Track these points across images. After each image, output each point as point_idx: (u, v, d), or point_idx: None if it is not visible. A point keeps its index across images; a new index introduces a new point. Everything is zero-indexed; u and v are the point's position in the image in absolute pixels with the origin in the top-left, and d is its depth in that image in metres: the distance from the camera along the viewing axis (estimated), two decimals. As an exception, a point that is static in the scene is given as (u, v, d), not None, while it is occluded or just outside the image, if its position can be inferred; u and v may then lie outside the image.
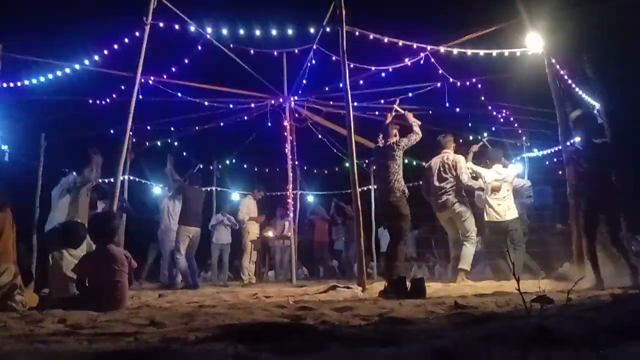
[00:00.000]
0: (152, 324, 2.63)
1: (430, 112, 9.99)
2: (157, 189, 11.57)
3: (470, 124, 10.75)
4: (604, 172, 5.92)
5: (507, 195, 7.96)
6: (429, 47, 8.11)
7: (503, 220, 7.90)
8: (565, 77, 8.58)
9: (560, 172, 8.59)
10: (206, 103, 9.97)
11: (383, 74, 8.90)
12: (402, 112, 7.48)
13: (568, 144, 7.07)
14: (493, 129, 11.02)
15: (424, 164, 8.54)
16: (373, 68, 8.67)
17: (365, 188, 12.46)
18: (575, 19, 7.93)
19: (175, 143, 10.01)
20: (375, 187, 7.37)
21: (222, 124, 11.00)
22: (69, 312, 3.31)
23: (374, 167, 7.38)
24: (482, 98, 9.76)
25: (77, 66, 7.92)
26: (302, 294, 5.57)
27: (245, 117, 10.85)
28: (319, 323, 2.49)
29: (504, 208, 7.93)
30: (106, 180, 8.57)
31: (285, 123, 10.20)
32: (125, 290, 4.02)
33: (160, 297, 5.56)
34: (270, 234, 10.65)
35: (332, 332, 2.00)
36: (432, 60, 8.26)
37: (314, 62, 8.97)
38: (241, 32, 7.79)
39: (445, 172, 7.50)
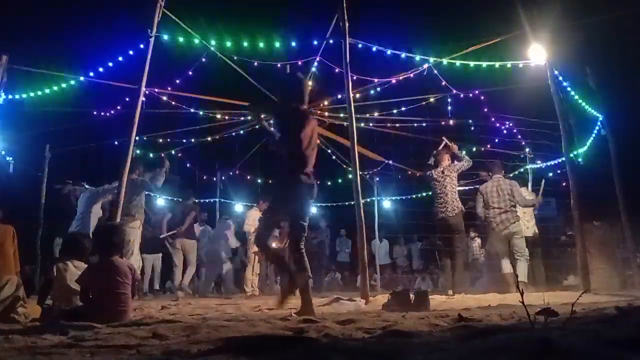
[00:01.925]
0: (155, 336, 2.62)
1: (433, 123, 10.03)
2: (160, 201, 11.58)
3: (473, 136, 10.76)
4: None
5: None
6: (431, 59, 8.14)
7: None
8: (568, 88, 8.60)
9: (564, 184, 8.58)
10: (210, 114, 10.00)
11: (386, 86, 8.93)
12: (450, 144, 8.38)
13: (572, 155, 7.12)
14: (496, 140, 11.03)
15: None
16: (376, 80, 8.70)
17: (368, 199, 12.45)
18: (577, 30, 7.97)
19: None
20: (437, 204, 7.93)
21: (225, 135, 11.03)
22: (72, 324, 3.30)
23: (435, 188, 8.00)
24: (485, 110, 9.77)
25: (81, 78, 7.98)
26: (305, 306, 5.54)
27: (249, 129, 10.88)
28: (321, 336, 2.47)
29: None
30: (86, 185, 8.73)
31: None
32: (128, 302, 4.01)
33: (163, 309, 5.55)
34: (273, 245, 10.62)
35: (334, 345, 1.99)
36: (435, 71, 8.29)
37: (317, 73, 9.01)
38: (245, 44, 7.84)
39: (504, 195, 7.92)
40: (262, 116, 5.36)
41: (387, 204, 14.07)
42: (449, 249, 7.80)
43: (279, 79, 5.13)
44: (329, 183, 13.84)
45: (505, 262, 7.85)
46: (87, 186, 8.50)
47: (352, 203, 6.22)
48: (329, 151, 11.35)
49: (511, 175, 11.91)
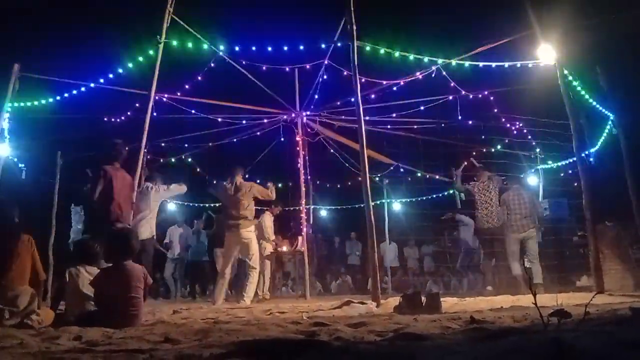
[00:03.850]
0: (167, 340, 2.63)
1: (443, 125, 10.00)
2: (171, 205, 11.67)
3: (483, 137, 10.71)
4: None
5: None
6: (440, 60, 8.12)
7: None
8: (579, 88, 8.54)
9: (575, 184, 8.52)
10: (219, 119, 10.05)
11: (395, 88, 8.92)
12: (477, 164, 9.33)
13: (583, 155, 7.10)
14: (506, 141, 10.97)
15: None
16: (384, 82, 8.69)
17: (377, 202, 12.42)
18: (587, 30, 7.91)
19: None
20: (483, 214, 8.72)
21: (235, 139, 11.07)
22: (85, 328, 3.32)
23: (481, 199, 8.73)
24: (495, 110, 9.73)
25: (92, 84, 8.05)
26: (316, 309, 5.54)
27: (258, 133, 10.92)
28: (333, 339, 2.47)
29: None
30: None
31: (298, 138, 10.23)
32: (140, 306, 4.03)
33: (174, 313, 5.57)
34: (284, 248, 10.63)
35: (347, 348, 1.98)
36: (444, 73, 8.27)
37: (325, 77, 9.02)
38: (253, 48, 7.88)
39: (524, 203, 8.43)
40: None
41: (396, 206, 14.03)
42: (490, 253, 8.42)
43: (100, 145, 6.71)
44: (339, 186, 13.83)
45: (515, 264, 8.11)
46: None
47: (362, 205, 6.21)
48: (338, 154, 11.34)
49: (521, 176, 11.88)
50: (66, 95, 8.16)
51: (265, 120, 10.52)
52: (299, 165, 10.15)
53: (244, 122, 10.46)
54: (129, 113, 9.06)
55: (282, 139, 10.79)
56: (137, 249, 4.33)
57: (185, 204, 12.36)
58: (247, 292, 7.51)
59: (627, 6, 7.58)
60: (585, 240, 7.72)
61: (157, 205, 7.72)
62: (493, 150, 11.12)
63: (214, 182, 9.06)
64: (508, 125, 10.38)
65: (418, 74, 8.41)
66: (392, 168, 12.18)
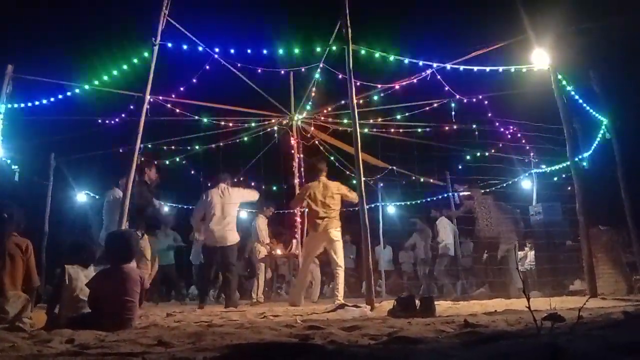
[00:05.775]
0: (160, 343, 2.61)
1: (438, 128, 10.03)
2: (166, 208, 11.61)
3: (477, 141, 10.74)
4: None
5: None
6: (435, 64, 8.13)
7: None
8: (572, 92, 8.58)
9: (569, 188, 8.55)
10: (214, 122, 10.02)
11: (390, 92, 8.93)
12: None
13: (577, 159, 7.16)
14: (500, 145, 11.00)
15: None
16: (379, 86, 8.70)
17: (372, 205, 12.42)
18: (581, 35, 7.95)
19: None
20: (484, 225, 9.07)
21: (230, 142, 11.04)
22: (77, 331, 3.30)
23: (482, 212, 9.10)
24: (489, 114, 9.76)
25: (86, 86, 8.02)
26: (310, 313, 5.54)
27: (253, 135, 10.90)
28: (327, 342, 2.47)
29: None
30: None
31: (293, 141, 10.22)
32: (135, 310, 4.01)
33: (168, 316, 5.55)
34: (278, 251, 10.60)
35: (340, 351, 1.98)
36: (439, 77, 8.28)
37: (320, 80, 9.03)
38: (249, 51, 7.88)
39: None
40: None
41: (391, 209, 14.03)
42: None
43: None
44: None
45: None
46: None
47: (357, 209, 6.21)
48: (333, 158, 11.34)
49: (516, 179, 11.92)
50: (60, 96, 8.12)
51: (260, 123, 10.51)
52: (293, 167, 10.14)
53: (238, 124, 10.44)
54: (123, 115, 9.03)
55: (277, 142, 10.78)
56: (137, 253, 4.30)
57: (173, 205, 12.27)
58: (338, 290, 7.55)
59: (620, 11, 7.64)
60: (578, 244, 7.74)
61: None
62: (487, 154, 11.14)
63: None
64: (502, 129, 10.42)
65: (413, 77, 8.43)
66: (386, 171, 12.19)
